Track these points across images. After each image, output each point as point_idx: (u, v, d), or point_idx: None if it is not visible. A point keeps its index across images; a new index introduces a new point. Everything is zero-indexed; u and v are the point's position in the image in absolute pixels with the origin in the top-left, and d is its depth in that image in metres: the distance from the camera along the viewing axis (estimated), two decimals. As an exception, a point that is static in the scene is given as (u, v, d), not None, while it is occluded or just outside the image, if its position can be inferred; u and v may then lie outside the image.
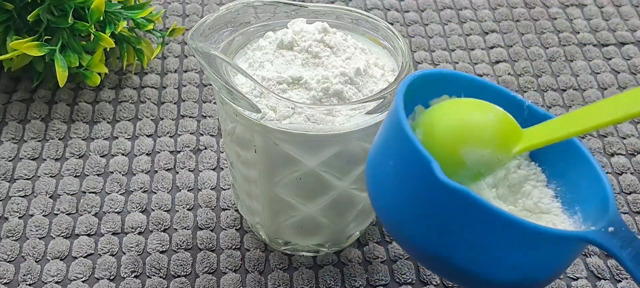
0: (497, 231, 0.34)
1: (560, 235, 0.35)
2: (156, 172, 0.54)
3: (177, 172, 0.54)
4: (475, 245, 0.35)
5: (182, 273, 0.48)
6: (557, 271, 0.37)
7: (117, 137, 0.57)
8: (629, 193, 0.54)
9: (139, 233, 0.50)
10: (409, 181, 0.36)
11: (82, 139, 0.56)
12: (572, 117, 0.36)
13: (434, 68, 0.64)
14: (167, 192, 0.53)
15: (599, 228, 0.35)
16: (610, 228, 0.35)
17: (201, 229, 0.50)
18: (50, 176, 0.54)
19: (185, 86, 0.61)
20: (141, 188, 0.53)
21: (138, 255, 0.49)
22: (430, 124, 0.38)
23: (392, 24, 0.68)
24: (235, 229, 0.51)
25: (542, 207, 0.39)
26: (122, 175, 0.54)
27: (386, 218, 0.38)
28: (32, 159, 0.55)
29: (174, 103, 0.60)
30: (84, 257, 0.49)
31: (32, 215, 0.51)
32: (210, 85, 0.61)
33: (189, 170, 0.54)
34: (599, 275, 0.48)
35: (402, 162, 0.36)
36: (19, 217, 0.51)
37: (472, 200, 0.34)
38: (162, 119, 0.58)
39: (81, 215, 0.51)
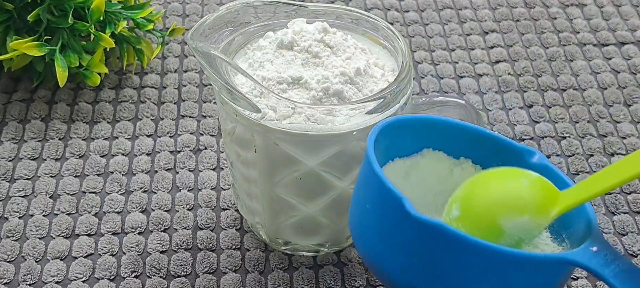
0: (476, 262, 0.34)
1: (540, 259, 0.35)
2: (156, 172, 0.54)
3: (177, 172, 0.54)
4: (457, 279, 0.35)
5: (182, 273, 0.48)
6: None
7: (117, 137, 0.57)
8: (629, 193, 0.54)
9: (139, 233, 0.50)
10: (384, 220, 0.37)
11: (82, 139, 0.56)
12: (610, 172, 0.36)
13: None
14: (167, 192, 0.53)
15: (581, 248, 0.35)
16: (594, 248, 0.35)
17: (201, 229, 0.50)
18: (50, 176, 0.54)
19: (185, 86, 0.61)
20: (141, 188, 0.53)
21: (138, 255, 0.49)
22: (467, 198, 0.38)
23: (392, 23, 0.68)
24: (235, 229, 0.51)
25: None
26: (122, 175, 0.54)
27: (369, 262, 0.39)
28: (32, 159, 0.55)
29: (174, 103, 0.60)
30: (84, 257, 0.49)
31: (32, 215, 0.51)
32: (210, 85, 0.61)
33: (189, 170, 0.54)
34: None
35: (376, 203, 0.37)
36: (19, 217, 0.51)
37: (446, 232, 0.34)
38: (162, 118, 0.58)
39: (81, 215, 0.51)
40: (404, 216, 0.34)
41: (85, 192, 0.53)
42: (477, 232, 0.36)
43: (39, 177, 0.54)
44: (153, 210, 0.52)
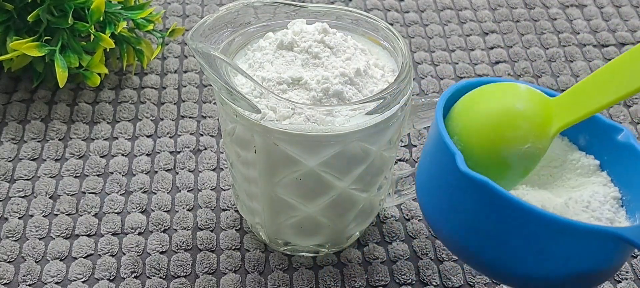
0: (518, 223, 0.35)
1: (584, 228, 0.34)
2: (156, 172, 0.54)
3: (177, 173, 0.54)
4: (499, 238, 0.35)
5: (182, 273, 0.48)
6: (590, 271, 0.36)
7: (117, 138, 0.57)
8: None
9: (139, 233, 0.50)
10: (439, 174, 0.38)
11: (82, 140, 0.56)
12: (602, 78, 0.36)
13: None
14: (167, 193, 0.53)
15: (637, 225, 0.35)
16: None
17: (201, 230, 0.50)
18: (50, 176, 0.54)
19: (185, 87, 0.61)
20: (141, 188, 0.53)
21: (138, 255, 0.49)
22: (465, 132, 0.39)
23: (392, 24, 0.68)
24: (235, 230, 0.51)
25: (594, 204, 0.38)
26: (122, 175, 0.54)
27: (426, 214, 0.40)
28: (32, 160, 0.55)
29: (174, 103, 0.60)
30: (84, 258, 0.49)
31: (32, 216, 0.51)
32: (210, 85, 0.61)
33: (189, 171, 0.54)
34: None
35: (434, 155, 0.39)
36: (19, 218, 0.51)
37: (491, 190, 0.35)
38: (162, 119, 0.58)
39: (81, 215, 0.51)
40: (455, 171, 0.36)
41: (85, 193, 0.53)
42: (484, 168, 0.36)
43: (39, 177, 0.54)
44: (153, 210, 0.52)
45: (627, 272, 0.49)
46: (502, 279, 0.38)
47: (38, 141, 0.56)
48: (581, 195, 0.39)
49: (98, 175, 0.54)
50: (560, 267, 0.35)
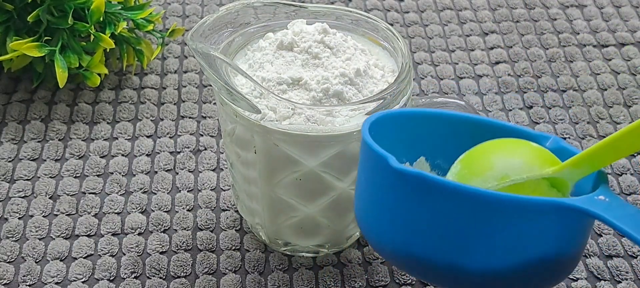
0: (465, 210, 0.33)
1: (535, 203, 0.33)
2: (156, 172, 0.54)
3: (177, 173, 0.54)
4: (449, 234, 0.33)
5: (182, 274, 0.48)
6: (549, 257, 0.34)
7: (117, 138, 0.57)
8: (629, 194, 0.54)
9: (139, 234, 0.50)
10: (374, 181, 0.36)
11: (82, 140, 0.56)
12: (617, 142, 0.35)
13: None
14: (167, 193, 0.53)
15: (585, 196, 0.33)
16: (600, 197, 0.33)
17: (201, 230, 0.50)
18: (50, 177, 0.54)
19: (185, 87, 0.61)
20: (141, 189, 0.53)
21: (138, 255, 0.49)
22: (469, 156, 0.38)
23: (392, 24, 0.68)
24: (235, 230, 0.51)
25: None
26: (122, 176, 0.54)
27: (366, 231, 0.38)
28: (32, 160, 0.55)
29: (174, 104, 0.60)
30: (84, 258, 0.49)
31: (32, 216, 0.51)
32: (210, 86, 0.61)
33: (189, 171, 0.54)
34: (599, 276, 0.48)
35: (367, 168, 0.37)
36: (19, 218, 0.51)
37: (428, 180, 0.33)
38: (162, 119, 0.58)
39: (81, 215, 0.51)
40: (389, 171, 0.34)
41: (85, 193, 0.53)
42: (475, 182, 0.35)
43: (39, 177, 0.54)
44: (153, 210, 0.52)
45: (627, 272, 0.49)
46: (458, 284, 0.36)
47: (38, 141, 0.56)
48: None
49: (98, 176, 0.54)
50: (516, 255, 0.33)
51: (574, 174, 0.36)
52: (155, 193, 0.53)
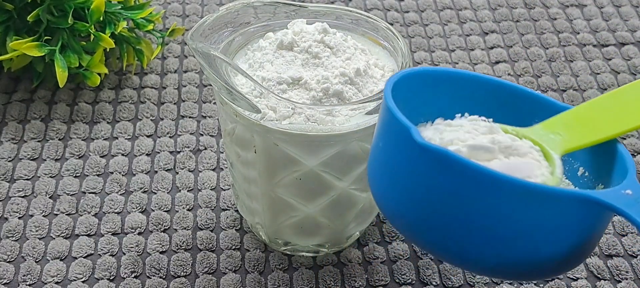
0: (482, 194, 0.32)
1: (558, 194, 0.32)
2: (156, 172, 0.54)
3: (177, 173, 0.54)
4: (465, 216, 0.32)
5: (182, 273, 0.48)
6: (563, 248, 0.33)
7: (117, 138, 0.57)
8: (629, 194, 0.54)
9: (139, 233, 0.50)
10: (393, 150, 0.35)
11: (82, 140, 0.56)
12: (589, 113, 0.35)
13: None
14: (167, 193, 0.53)
15: (610, 189, 0.33)
16: (627, 191, 0.32)
17: (201, 229, 0.50)
18: (50, 176, 0.54)
19: (185, 86, 0.61)
20: (141, 188, 0.53)
21: (138, 255, 0.49)
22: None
23: (392, 24, 0.68)
24: (235, 229, 0.51)
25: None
26: (122, 175, 0.54)
27: (379, 198, 0.37)
28: (32, 159, 0.55)
29: (174, 103, 0.60)
30: (84, 257, 0.49)
31: (32, 216, 0.51)
32: (210, 85, 0.61)
33: (189, 171, 0.54)
34: (599, 276, 0.48)
35: (386, 134, 0.35)
36: (19, 218, 0.51)
37: (453, 159, 0.32)
38: (162, 119, 0.58)
39: (81, 215, 0.51)
40: (411, 144, 0.32)
41: (85, 193, 0.53)
42: None
43: (39, 177, 0.54)
44: (153, 210, 0.52)
45: (627, 272, 0.49)
46: (473, 267, 0.35)
47: (38, 141, 0.56)
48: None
49: (98, 175, 0.54)
50: (533, 243, 0.33)
51: (548, 137, 0.35)
52: (155, 193, 0.53)
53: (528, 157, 0.35)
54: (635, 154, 0.56)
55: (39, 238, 0.50)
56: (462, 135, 0.36)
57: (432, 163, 0.33)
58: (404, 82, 0.37)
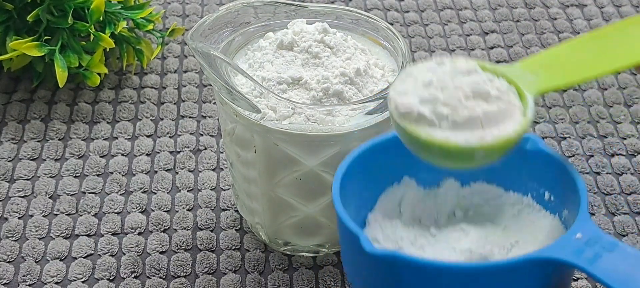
0: (442, 284, 0.33)
1: (505, 265, 0.32)
2: (156, 172, 0.54)
3: (177, 173, 0.54)
4: None
5: (182, 273, 0.48)
6: None
7: (116, 138, 0.57)
8: (629, 194, 0.54)
9: (139, 233, 0.50)
10: (353, 258, 0.36)
11: (82, 140, 0.56)
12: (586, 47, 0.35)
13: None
14: (167, 193, 0.53)
15: (560, 239, 0.33)
16: (578, 235, 0.32)
17: (201, 230, 0.50)
18: (50, 176, 0.54)
19: (185, 86, 0.61)
20: (141, 188, 0.53)
21: (138, 255, 0.49)
22: None
23: (392, 24, 0.68)
24: (235, 230, 0.51)
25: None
26: (122, 175, 0.54)
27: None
28: (31, 159, 0.55)
29: (174, 103, 0.60)
30: (84, 258, 0.49)
31: (31, 216, 0.51)
32: (210, 85, 0.61)
33: (189, 171, 0.54)
34: (599, 276, 0.48)
35: (345, 241, 0.37)
36: (19, 218, 0.51)
37: (402, 259, 0.33)
38: (162, 119, 0.58)
39: (81, 215, 0.51)
40: (361, 252, 0.33)
41: (85, 193, 0.53)
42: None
43: (39, 177, 0.54)
44: (153, 210, 0.52)
45: (627, 272, 0.48)
46: None
47: (38, 141, 0.56)
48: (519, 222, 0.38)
49: (98, 175, 0.54)
50: None
51: (525, 77, 0.36)
52: (155, 193, 0.53)
53: (503, 98, 0.35)
54: (636, 154, 0.56)
55: (39, 239, 0.50)
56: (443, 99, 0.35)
57: (384, 267, 0.33)
58: (356, 164, 0.38)
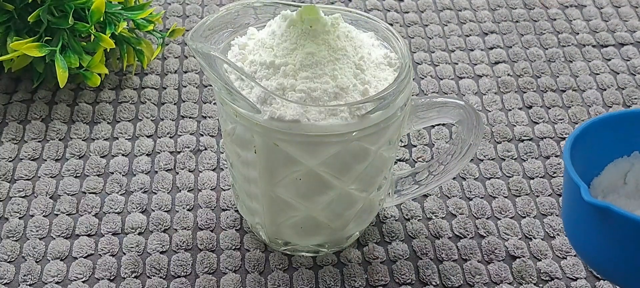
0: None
1: None
2: (156, 172, 0.54)
3: (177, 173, 0.54)
4: (630, 261, 0.38)
5: (182, 273, 0.48)
6: None
7: (117, 138, 0.57)
8: (628, 194, 0.54)
9: (139, 233, 0.50)
10: (572, 206, 0.41)
11: (83, 140, 0.57)
12: None
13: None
14: (167, 193, 0.53)
15: None
16: None
17: (201, 230, 0.51)
18: (51, 176, 0.54)
19: (185, 87, 0.61)
20: (141, 188, 0.53)
21: (138, 255, 0.49)
22: None
23: (392, 24, 0.68)
24: (235, 230, 0.51)
25: None
26: (122, 175, 0.54)
27: (574, 245, 0.43)
28: (32, 160, 0.55)
29: (174, 104, 0.60)
30: (84, 258, 0.49)
31: (32, 216, 0.51)
32: (210, 85, 0.61)
33: (189, 171, 0.54)
34: (599, 276, 0.48)
35: (566, 189, 0.42)
36: (20, 218, 0.51)
37: (616, 213, 0.37)
38: (162, 119, 0.59)
39: (81, 215, 0.51)
40: (581, 201, 0.38)
41: (85, 193, 0.53)
42: None
43: (39, 177, 0.54)
44: (153, 210, 0.52)
45: (626, 272, 0.49)
46: None
47: (38, 141, 0.56)
48: None
49: (98, 175, 0.54)
50: None
51: None
52: (156, 193, 0.53)
53: None
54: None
55: (40, 239, 0.50)
56: None
57: (598, 217, 0.38)
58: (583, 135, 0.43)
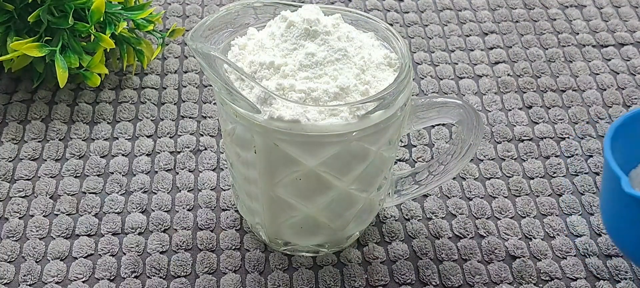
0: None
1: None
2: (156, 172, 0.54)
3: (177, 173, 0.54)
4: None
5: (182, 273, 0.48)
6: None
7: (117, 138, 0.57)
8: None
9: (139, 233, 0.50)
10: (611, 197, 0.42)
11: (83, 140, 0.57)
12: None
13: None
14: (167, 193, 0.53)
15: None
16: None
17: (201, 230, 0.51)
18: (51, 177, 0.54)
19: (185, 87, 0.61)
20: (141, 188, 0.53)
21: (138, 255, 0.49)
22: None
23: (391, 24, 0.68)
24: (235, 230, 0.51)
25: None
26: (122, 175, 0.54)
27: (607, 228, 0.44)
28: (32, 160, 0.55)
29: (174, 104, 0.60)
30: (84, 258, 0.49)
31: (32, 216, 0.51)
32: (210, 86, 0.61)
33: (189, 171, 0.54)
34: (598, 276, 0.49)
35: (605, 179, 0.43)
36: (20, 218, 0.51)
37: None
38: (162, 119, 0.59)
39: (81, 215, 0.51)
40: (620, 192, 0.39)
41: (85, 193, 0.53)
42: None
43: (39, 177, 0.54)
44: (153, 210, 0.52)
45: (626, 272, 0.49)
46: None
47: (38, 141, 0.56)
48: None
49: (98, 175, 0.54)
50: None
51: None
52: (156, 193, 0.53)
53: None
54: None
55: (40, 239, 0.50)
56: None
57: (637, 208, 0.40)
58: (622, 127, 0.44)
